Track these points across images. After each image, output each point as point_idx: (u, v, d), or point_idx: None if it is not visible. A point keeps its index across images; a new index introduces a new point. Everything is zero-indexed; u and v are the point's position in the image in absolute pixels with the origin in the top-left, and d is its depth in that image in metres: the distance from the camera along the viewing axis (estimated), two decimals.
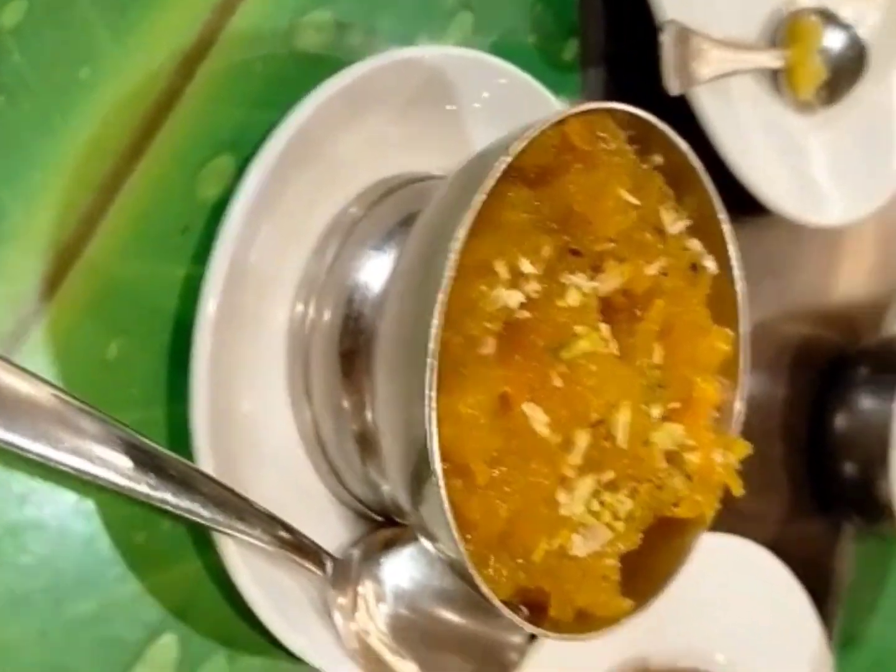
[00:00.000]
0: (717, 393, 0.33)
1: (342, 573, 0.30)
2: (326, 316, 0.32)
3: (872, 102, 0.54)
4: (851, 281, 0.63)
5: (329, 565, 0.30)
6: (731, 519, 0.49)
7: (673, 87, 0.39)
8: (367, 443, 0.31)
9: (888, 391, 0.57)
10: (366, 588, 0.31)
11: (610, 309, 0.30)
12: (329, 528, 0.32)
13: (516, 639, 0.33)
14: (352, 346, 0.31)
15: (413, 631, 0.31)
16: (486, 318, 0.26)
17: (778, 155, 0.50)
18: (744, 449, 0.34)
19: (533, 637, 0.35)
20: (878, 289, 0.66)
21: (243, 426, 0.31)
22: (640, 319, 0.31)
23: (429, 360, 0.24)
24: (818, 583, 0.61)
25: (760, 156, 0.49)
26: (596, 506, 0.29)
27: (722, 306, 0.33)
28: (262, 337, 0.32)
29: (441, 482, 0.25)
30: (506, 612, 0.27)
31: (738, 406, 0.35)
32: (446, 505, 0.25)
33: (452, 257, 0.25)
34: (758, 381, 0.57)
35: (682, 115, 0.43)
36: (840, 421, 0.59)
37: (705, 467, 0.33)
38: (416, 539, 0.32)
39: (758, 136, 0.49)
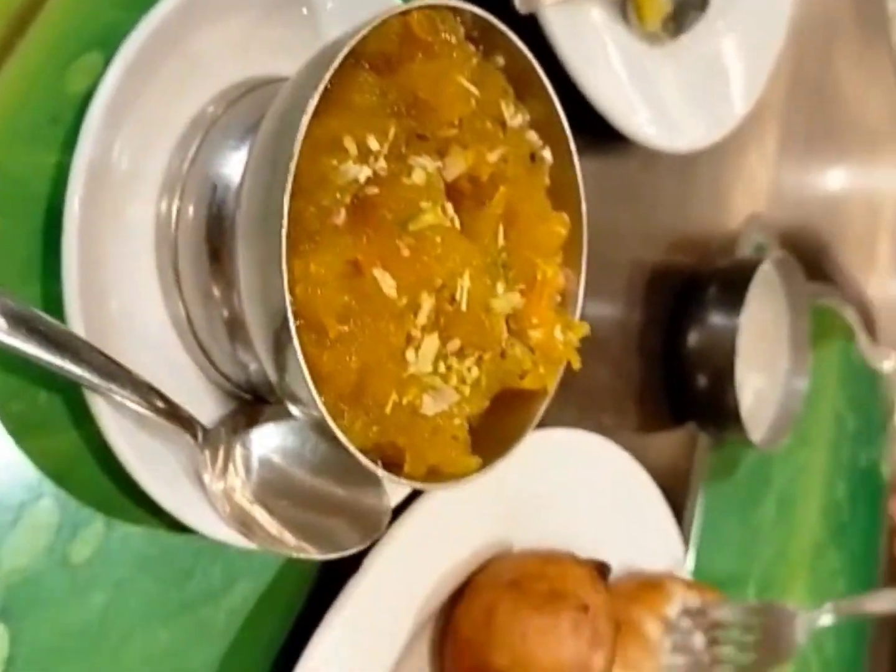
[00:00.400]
0: (558, 275, 0.37)
1: (213, 441, 0.33)
2: (191, 210, 0.34)
3: (716, 35, 0.58)
4: (705, 207, 0.68)
5: (201, 433, 0.32)
6: (594, 430, 0.54)
7: (520, 5, 0.42)
8: (235, 326, 0.33)
9: (734, 309, 0.62)
10: (235, 454, 0.33)
11: (457, 194, 0.33)
12: (202, 405, 0.34)
13: (381, 503, 0.36)
14: (217, 236, 0.33)
15: (281, 494, 0.34)
16: (336, 190, 0.29)
17: (630, 82, 0.54)
18: (582, 329, 0.38)
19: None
20: (730, 214, 0.71)
21: (115, 312, 0.33)
22: (485, 205, 0.34)
23: (283, 221, 0.27)
24: (675, 486, 0.66)
25: (612, 83, 0.52)
26: (443, 368, 0.33)
27: (561, 197, 0.37)
28: (129, 231, 0.33)
29: (294, 335, 0.27)
30: (363, 459, 0.30)
31: (578, 291, 0.38)
32: (300, 356, 0.28)
33: (301, 129, 0.27)
34: (617, 304, 0.61)
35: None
36: (692, 338, 0.64)
37: (547, 343, 0.36)
38: (285, 414, 0.35)
39: (609, 63, 0.52)
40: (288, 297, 0.27)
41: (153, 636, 0.33)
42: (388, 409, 0.31)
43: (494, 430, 0.37)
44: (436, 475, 0.34)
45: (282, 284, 0.27)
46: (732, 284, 0.64)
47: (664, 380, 0.66)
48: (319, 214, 0.28)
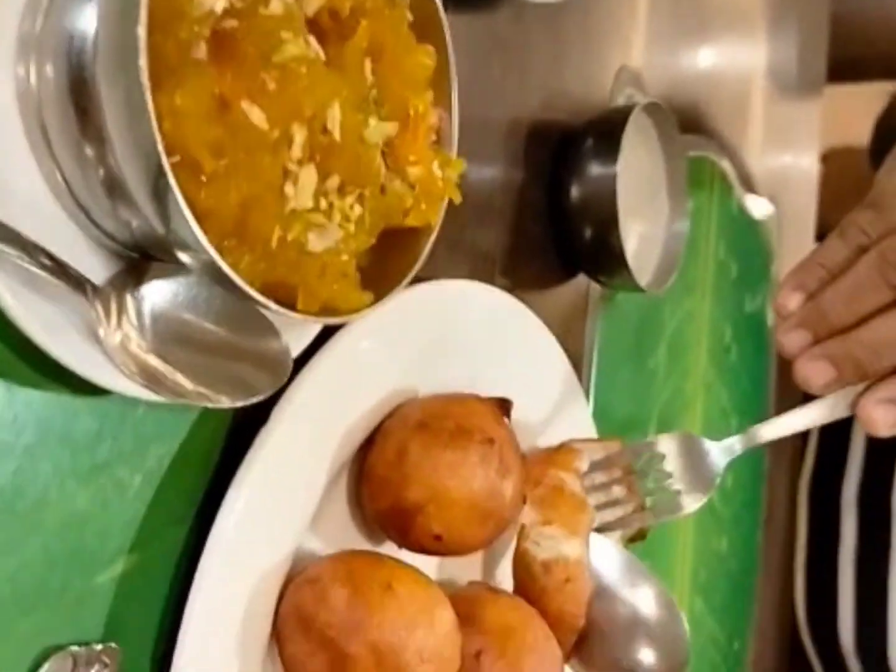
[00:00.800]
0: (430, 111, 0.37)
1: (104, 297, 0.33)
2: (50, 69, 0.33)
3: None
4: (578, 61, 0.69)
5: (91, 290, 0.32)
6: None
7: None
8: (112, 183, 0.33)
9: (611, 158, 0.64)
10: (128, 308, 0.33)
11: (320, 30, 0.33)
12: (89, 266, 0.33)
13: (283, 347, 0.36)
14: (81, 92, 0.32)
15: (181, 344, 0.34)
16: (193, 22, 0.28)
17: None
18: (459, 165, 0.39)
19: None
20: (603, 68, 0.72)
21: None
22: (349, 39, 0.34)
23: (140, 53, 0.26)
24: (571, 338, 0.69)
25: None
26: (325, 205, 0.33)
27: (425, 33, 0.37)
28: None
29: (168, 170, 0.27)
30: (253, 294, 0.31)
31: (452, 128, 0.39)
32: (177, 192, 0.28)
33: None
34: (496, 164, 0.62)
35: None
36: (574, 190, 0.66)
37: (426, 179, 0.37)
38: (175, 270, 0.35)
39: None
40: (157, 132, 0.27)
41: (70, 499, 0.34)
42: (273, 245, 0.31)
43: (385, 268, 0.38)
44: (329, 312, 0.34)
45: (149, 120, 0.27)
46: (607, 134, 0.65)
47: (551, 234, 0.67)
48: (179, 49, 0.28)
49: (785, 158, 1.18)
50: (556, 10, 0.65)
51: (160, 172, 0.28)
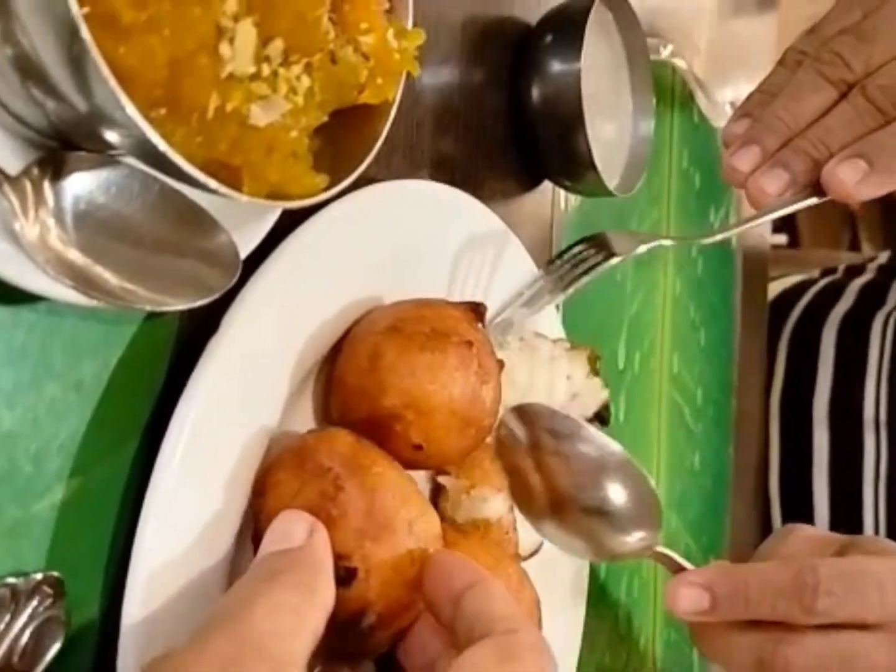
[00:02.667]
0: None
1: (19, 188, 0.28)
2: None
3: None
4: None
5: (3, 178, 0.28)
6: None
7: None
8: (20, 53, 0.28)
9: (573, 53, 0.60)
10: (47, 199, 0.29)
11: None
12: (1, 157, 0.29)
13: (228, 241, 0.33)
14: None
15: (111, 240, 0.30)
16: None
17: None
18: (418, 36, 0.35)
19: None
20: None
21: None
22: None
23: None
24: (538, 247, 0.65)
25: None
26: (267, 72, 0.29)
27: None
28: None
29: (80, 20, 0.23)
30: (191, 170, 0.27)
31: None
32: (92, 48, 0.24)
33: None
34: (454, 66, 0.58)
35: None
36: (536, 90, 0.62)
37: (381, 50, 0.33)
38: (101, 160, 0.31)
39: None
40: None
41: None
42: (210, 114, 0.27)
43: (341, 151, 0.34)
44: (279, 196, 0.31)
45: None
46: (567, 29, 0.61)
47: (514, 138, 0.64)
48: None
49: (739, 72, 1.15)
50: None
51: (71, 26, 0.24)
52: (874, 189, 0.50)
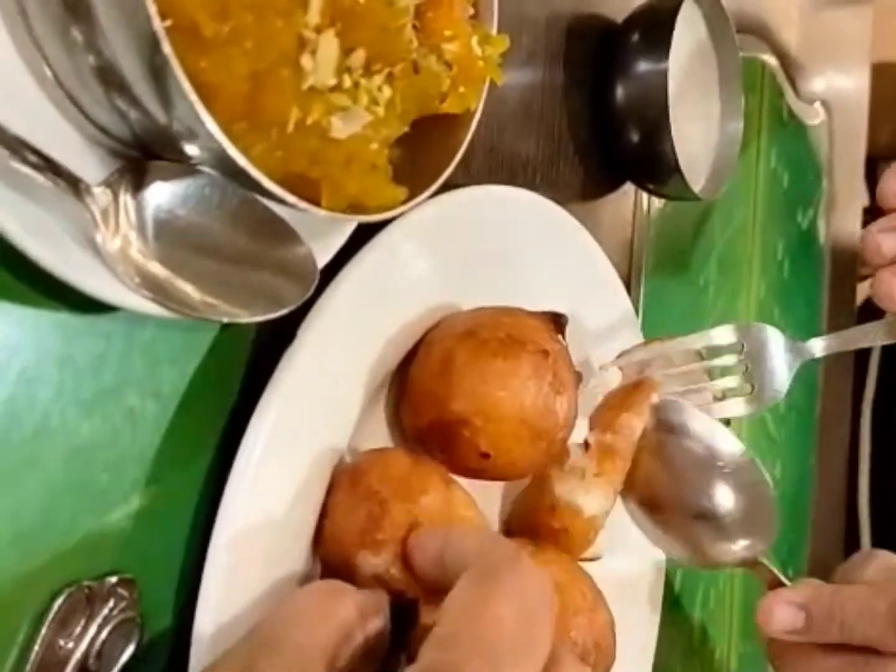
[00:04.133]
0: None
1: (101, 199, 0.28)
2: None
3: None
4: None
5: (84, 189, 0.28)
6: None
7: None
8: (105, 69, 0.28)
9: (661, 54, 0.58)
10: (129, 210, 0.29)
11: None
12: (84, 166, 0.29)
13: (306, 252, 0.32)
14: None
15: (190, 252, 0.30)
16: None
17: None
18: (502, 43, 0.34)
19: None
20: None
21: None
22: None
23: None
24: (618, 251, 0.64)
25: None
26: (349, 83, 0.29)
27: None
28: None
29: (161, 32, 0.23)
30: (269, 185, 0.26)
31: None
32: (173, 59, 0.23)
33: None
34: (537, 65, 0.57)
35: None
36: (620, 90, 0.60)
37: (464, 58, 0.33)
38: (183, 170, 0.31)
39: None
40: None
41: (73, 428, 0.30)
42: (290, 128, 0.27)
43: (420, 161, 0.33)
44: (358, 209, 0.30)
45: None
46: (655, 27, 0.59)
47: (596, 139, 0.62)
48: None
49: (833, 67, 1.11)
50: None
51: (152, 39, 0.24)
52: None
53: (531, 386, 0.38)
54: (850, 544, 1.10)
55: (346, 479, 0.37)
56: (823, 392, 1.04)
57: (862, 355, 1.12)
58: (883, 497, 1.10)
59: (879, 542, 1.08)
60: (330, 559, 0.37)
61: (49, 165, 0.27)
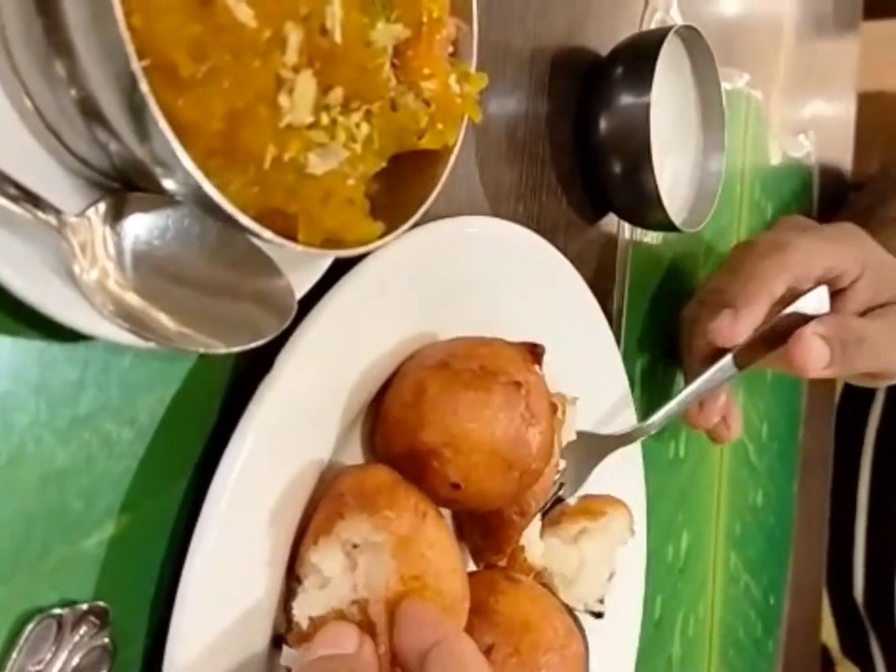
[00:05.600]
0: (445, 16, 0.33)
1: (80, 230, 0.29)
2: None
3: None
4: None
5: (63, 220, 0.28)
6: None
7: None
8: (86, 102, 0.29)
9: (643, 86, 0.59)
10: (107, 242, 0.29)
11: None
12: (64, 197, 0.30)
13: (284, 285, 0.33)
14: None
15: (168, 283, 0.30)
16: None
17: None
18: (480, 81, 0.35)
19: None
20: None
21: None
22: None
23: None
24: (600, 281, 0.64)
25: None
26: (326, 121, 0.29)
27: None
28: None
29: (139, 72, 0.23)
30: (245, 221, 0.27)
31: (472, 39, 0.35)
32: (149, 98, 0.24)
33: None
34: (521, 95, 0.58)
35: None
36: (603, 122, 0.61)
37: (442, 95, 0.33)
38: (162, 201, 0.31)
39: None
40: (124, 29, 0.23)
41: (48, 455, 0.30)
42: (266, 164, 0.27)
43: (398, 197, 0.34)
44: (334, 244, 0.31)
45: (114, 14, 0.23)
46: (639, 61, 0.60)
47: (579, 170, 0.63)
48: None
49: (820, 97, 1.12)
50: None
51: (131, 78, 0.24)
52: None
53: (502, 417, 0.39)
54: (841, 569, 1.11)
55: (323, 486, 0.37)
56: (806, 420, 1.05)
57: (865, 393, 1.12)
58: (882, 525, 1.10)
59: (873, 571, 1.08)
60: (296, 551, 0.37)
61: (27, 197, 0.28)
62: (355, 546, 0.36)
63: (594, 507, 0.52)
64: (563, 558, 0.50)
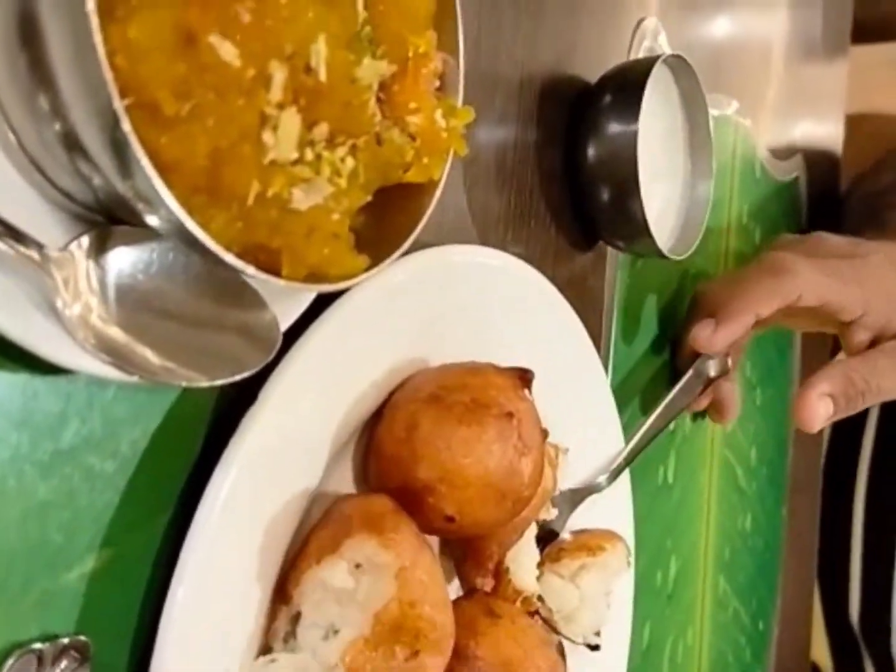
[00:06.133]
0: (432, 52, 0.33)
1: (63, 264, 0.29)
2: None
3: None
4: (594, 12, 0.64)
5: (47, 257, 0.28)
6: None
7: None
8: (70, 136, 0.29)
9: (631, 114, 0.60)
10: (90, 276, 0.29)
11: None
12: (47, 231, 0.30)
13: (270, 319, 0.33)
14: (27, 29, 0.28)
15: (151, 317, 0.30)
16: None
17: None
18: (467, 114, 0.35)
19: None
20: (621, 20, 0.68)
21: None
22: None
23: None
24: (589, 307, 0.65)
25: None
26: (311, 156, 0.29)
27: None
28: None
29: (121, 111, 0.24)
30: (228, 258, 0.27)
31: (458, 72, 0.35)
32: (131, 137, 0.24)
33: None
34: (509, 123, 0.58)
35: None
36: (591, 150, 0.61)
37: (428, 130, 0.33)
38: (146, 234, 0.31)
39: None
40: (107, 68, 0.23)
41: (29, 489, 0.30)
42: (250, 201, 0.27)
43: (383, 230, 0.34)
44: (318, 278, 0.31)
45: (96, 53, 0.23)
46: (626, 89, 0.61)
47: (567, 197, 0.63)
48: None
49: (808, 121, 1.13)
50: None
51: (113, 117, 0.24)
52: None
53: (496, 450, 0.39)
54: (837, 590, 1.10)
55: (325, 506, 0.37)
56: (795, 444, 1.05)
57: (859, 414, 1.12)
58: (878, 546, 1.09)
59: (869, 591, 1.08)
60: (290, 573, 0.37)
61: (9, 231, 0.28)
62: (358, 566, 0.36)
63: (593, 542, 0.52)
64: (563, 596, 0.50)
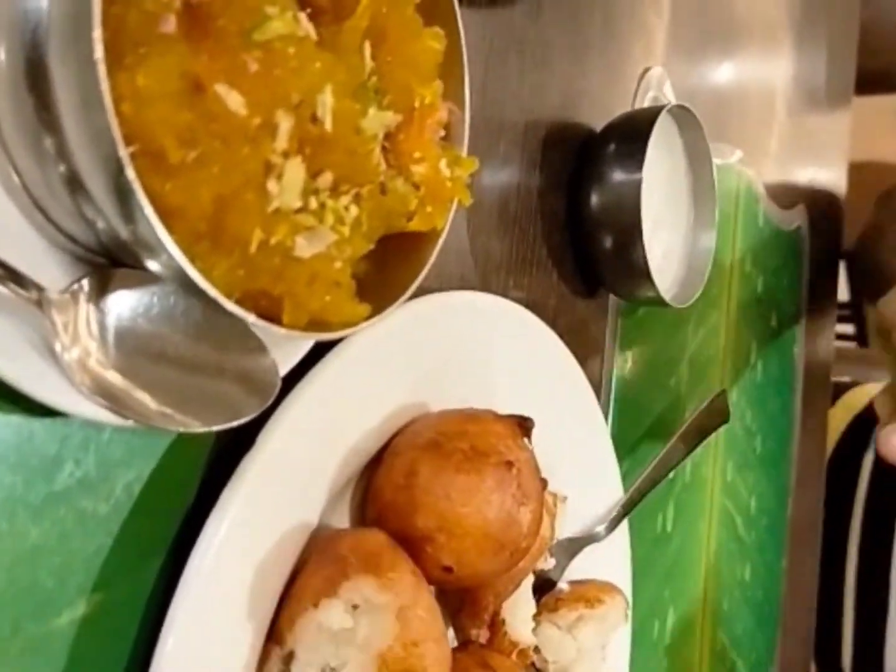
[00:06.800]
0: (437, 102, 0.33)
1: (62, 307, 0.29)
2: (1, 53, 0.29)
3: None
4: (599, 60, 0.65)
5: (47, 300, 0.28)
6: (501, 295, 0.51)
7: None
8: (74, 179, 0.29)
9: (635, 163, 0.60)
10: (90, 320, 0.29)
11: (314, 7, 0.29)
12: (49, 273, 0.30)
13: (269, 365, 0.32)
14: (35, 75, 0.28)
15: (149, 362, 0.30)
16: None
17: None
18: (471, 164, 0.35)
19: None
20: (626, 68, 0.68)
21: None
22: (347, 19, 0.30)
23: (94, 22, 0.23)
24: (589, 353, 0.64)
25: None
26: (315, 205, 0.29)
27: (434, 16, 0.33)
28: None
29: (125, 158, 0.24)
30: (230, 306, 0.27)
31: (464, 122, 0.35)
32: (135, 183, 0.24)
33: None
34: (513, 168, 0.58)
35: None
36: (595, 197, 0.62)
37: (432, 179, 0.33)
38: (147, 277, 0.31)
39: None
40: (112, 115, 0.23)
41: (21, 532, 0.30)
42: (252, 249, 0.27)
43: (385, 278, 0.34)
44: (320, 325, 0.30)
45: (103, 100, 0.23)
46: (631, 138, 0.61)
47: (570, 244, 0.63)
48: (144, 21, 0.24)
49: (811, 170, 1.13)
50: (577, 7, 0.61)
51: (118, 164, 0.24)
52: None
53: (494, 500, 0.38)
54: (830, 639, 1.09)
55: (318, 544, 0.37)
56: (795, 494, 1.04)
57: (855, 457, 1.12)
58: (870, 595, 1.09)
59: (861, 641, 1.07)
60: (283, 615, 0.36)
61: (10, 275, 0.28)
62: (355, 607, 0.35)
63: (591, 594, 0.51)
64: (560, 648, 0.49)
